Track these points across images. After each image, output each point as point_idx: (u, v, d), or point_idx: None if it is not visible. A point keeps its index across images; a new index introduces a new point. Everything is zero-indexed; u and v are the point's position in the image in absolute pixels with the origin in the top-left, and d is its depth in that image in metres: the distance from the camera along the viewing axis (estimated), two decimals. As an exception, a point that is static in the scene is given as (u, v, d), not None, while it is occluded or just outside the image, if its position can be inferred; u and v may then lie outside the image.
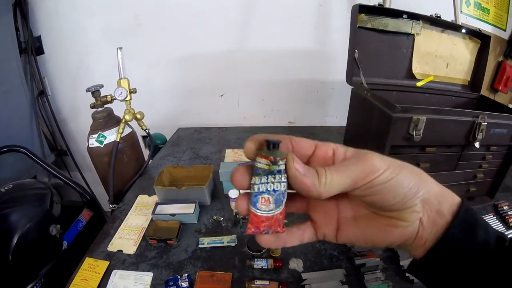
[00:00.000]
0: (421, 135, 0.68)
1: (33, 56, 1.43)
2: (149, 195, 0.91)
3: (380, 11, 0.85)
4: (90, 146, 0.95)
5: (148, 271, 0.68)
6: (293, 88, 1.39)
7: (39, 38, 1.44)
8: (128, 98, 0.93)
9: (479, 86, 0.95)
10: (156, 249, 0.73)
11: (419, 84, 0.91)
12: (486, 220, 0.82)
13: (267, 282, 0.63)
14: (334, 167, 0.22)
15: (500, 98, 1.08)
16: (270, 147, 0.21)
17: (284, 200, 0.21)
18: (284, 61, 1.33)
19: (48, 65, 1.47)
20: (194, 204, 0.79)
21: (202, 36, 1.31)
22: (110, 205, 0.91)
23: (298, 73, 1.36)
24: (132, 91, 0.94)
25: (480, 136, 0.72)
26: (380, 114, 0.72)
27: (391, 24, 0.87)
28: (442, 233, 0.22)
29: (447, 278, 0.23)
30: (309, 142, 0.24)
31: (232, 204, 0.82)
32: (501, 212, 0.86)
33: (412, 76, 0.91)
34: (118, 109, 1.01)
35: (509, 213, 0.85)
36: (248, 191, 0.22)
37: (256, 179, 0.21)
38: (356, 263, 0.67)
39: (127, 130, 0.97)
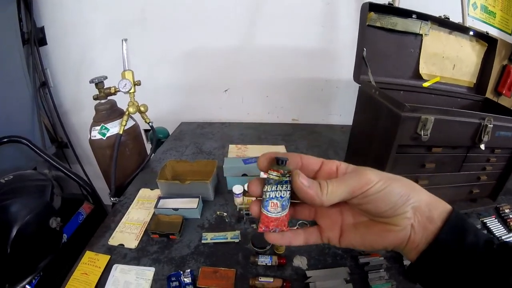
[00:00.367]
0: (428, 135, 0.66)
1: (36, 47, 1.40)
2: (151, 189, 0.89)
3: (389, 10, 0.83)
4: (92, 138, 0.93)
5: (150, 266, 0.66)
6: (297, 86, 1.38)
7: (42, 29, 1.41)
8: (132, 90, 0.91)
9: (485, 89, 0.94)
10: (158, 243, 0.71)
11: (425, 84, 0.90)
12: (489, 223, 0.82)
13: (271, 279, 0.61)
14: (335, 180, 0.25)
15: (504, 101, 1.07)
16: (279, 162, 0.25)
17: (288, 205, 0.26)
18: (289, 58, 1.31)
19: (50, 56, 1.44)
20: (198, 199, 0.77)
21: (207, 33, 1.29)
22: (111, 198, 0.88)
23: (303, 71, 1.34)
24: (137, 84, 0.92)
25: (486, 138, 0.71)
26: (388, 112, 0.70)
27: (400, 23, 0.85)
28: (432, 237, 0.25)
29: (440, 279, 0.25)
30: (316, 159, 0.28)
31: (236, 200, 0.80)
32: (502, 215, 0.86)
33: (418, 76, 0.90)
34: (121, 102, 0.99)
35: (511, 216, 0.84)
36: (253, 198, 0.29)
37: (268, 188, 0.25)
38: (360, 261, 0.66)
39: (130, 123, 0.95)
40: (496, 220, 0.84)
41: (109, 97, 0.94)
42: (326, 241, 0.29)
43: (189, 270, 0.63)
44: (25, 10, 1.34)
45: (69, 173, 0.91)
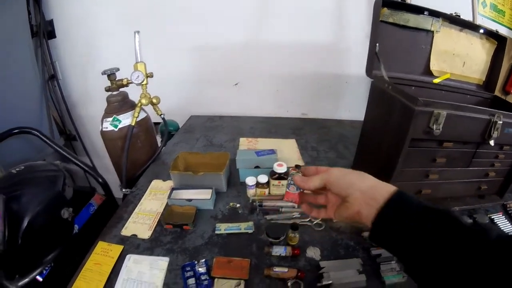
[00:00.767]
0: (441, 129, 0.66)
1: (45, 40, 1.38)
2: (163, 180, 0.88)
3: (402, 6, 0.82)
4: (104, 129, 0.92)
5: (164, 256, 0.65)
6: (307, 81, 1.36)
7: (51, 22, 1.39)
8: (144, 82, 0.90)
9: (494, 87, 0.93)
10: (172, 234, 0.71)
11: (436, 80, 0.89)
12: (496, 219, 0.82)
13: (286, 269, 0.60)
14: (315, 176, 0.42)
15: None
16: (297, 168, 0.51)
17: (298, 189, 0.46)
18: (299, 53, 1.30)
19: (59, 49, 1.42)
20: (211, 190, 0.77)
21: (217, 27, 1.28)
22: (123, 189, 0.87)
23: (313, 65, 1.33)
24: (149, 76, 0.91)
25: (495, 134, 0.70)
26: (402, 107, 0.70)
27: (412, 20, 0.84)
28: (376, 212, 0.34)
29: (389, 243, 0.34)
30: (313, 168, 0.45)
31: (249, 192, 0.79)
32: (510, 212, 0.85)
33: (429, 73, 0.89)
34: (132, 94, 0.98)
35: (518, 212, 0.84)
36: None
37: (289, 179, 0.47)
38: (372, 253, 0.66)
39: (142, 115, 0.94)
40: (504, 216, 0.84)
41: (120, 89, 0.93)
42: (326, 216, 0.44)
43: (203, 260, 0.63)
44: (34, 3, 1.33)
45: (81, 164, 0.90)
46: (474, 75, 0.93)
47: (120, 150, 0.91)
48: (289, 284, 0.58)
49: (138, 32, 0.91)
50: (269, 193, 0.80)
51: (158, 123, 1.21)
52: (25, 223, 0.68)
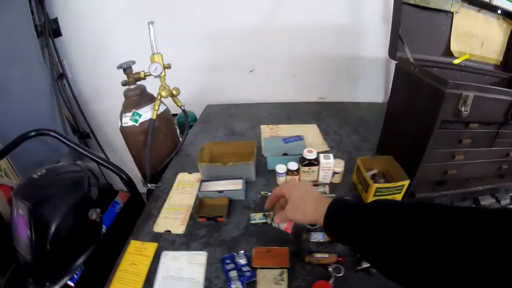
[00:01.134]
0: (468, 111, 0.64)
1: (51, 38, 1.30)
2: (189, 173, 0.84)
3: (423, -13, 0.77)
4: (123, 125, 0.87)
5: (201, 250, 0.62)
6: (324, 63, 1.28)
7: (56, 20, 1.31)
8: (163, 74, 0.84)
9: (511, 67, 0.90)
10: (206, 227, 0.67)
11: (455, 61, 0.86)
12: None
13: (326, 255, 0.58)
14: (280, 211, 0.54)
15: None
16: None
17: (285, 223, 0.60)
18: (315, 36, 1.22)
19: (66, 47, 1.34)
20: (242, 180, 0.73)
21: (231, 11, 1.19)
22: (149, 185, 0.83)
23: (329, 48, 1.25)
24: (167, 67, 0.85)
25: (517, 114, 0.68)
26: (430, 89, 0.67)
27: (433, 1, 0.80)
28: (325, 211, 0.45)
29: (335, 235, 0.44)
30: (272, 198, 0.57)
31: (279, 179, 0.76)
32: (529, 189, 0.84)
33: (449, 54, 0.86)
34: (148, 87, 0.92)
35: (537, 190, 0.82)
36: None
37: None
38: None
39: (162, 108, 0.89)
40: (524, 194, 0.82)
41: (137, 82, 0.87)
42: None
43: (243, 251, 0.60)
44: (36, 2, 1.24)
45: (104, 163, 0.84)
46: (492, 56, 0.90)
47: (141, 145, 0.86)
48: (330, 269, 0.56)
49: (152, 22, 0.85)
50: (299, 179, 0.77)
51: (175, 115, 1.15)
52: (53, 228, 0.63)
